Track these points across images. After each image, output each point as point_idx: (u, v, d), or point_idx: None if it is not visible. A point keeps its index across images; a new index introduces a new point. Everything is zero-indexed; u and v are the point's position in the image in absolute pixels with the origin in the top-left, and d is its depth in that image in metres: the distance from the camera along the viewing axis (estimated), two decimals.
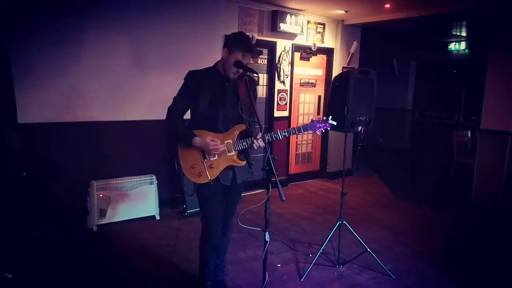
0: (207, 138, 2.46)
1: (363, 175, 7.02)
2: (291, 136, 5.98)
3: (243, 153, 2.62)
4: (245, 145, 2.52)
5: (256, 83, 2.71)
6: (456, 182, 6.54)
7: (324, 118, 2.57)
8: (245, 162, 2.60)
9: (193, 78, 2.56)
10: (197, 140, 2.48)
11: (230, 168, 2.59)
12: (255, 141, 2.44)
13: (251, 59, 2.54)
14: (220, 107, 2.53)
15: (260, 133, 2.45)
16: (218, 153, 2.52)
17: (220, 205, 2.66)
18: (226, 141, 2.53)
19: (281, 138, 2.49)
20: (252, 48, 2.49)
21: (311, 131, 2.60)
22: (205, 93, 2.52)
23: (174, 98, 2.59)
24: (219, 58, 2.59)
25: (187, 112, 2.64)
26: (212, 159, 2.54)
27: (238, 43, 2.48)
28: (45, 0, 3.78)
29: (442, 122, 8.86)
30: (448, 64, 8.87)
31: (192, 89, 2.53)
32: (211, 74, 2.58)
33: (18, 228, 3.63)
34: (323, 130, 2.59)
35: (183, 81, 2.59)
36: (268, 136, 2.46)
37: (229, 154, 2.54)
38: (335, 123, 2.58)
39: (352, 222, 3.69)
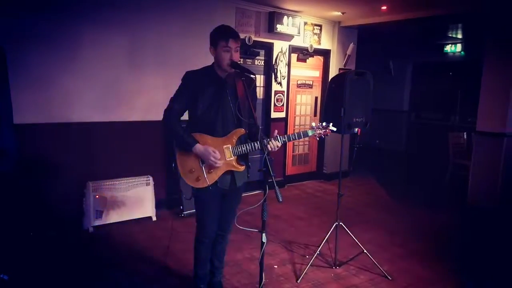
0: (210, 148, 2.42)
1: (360, 177, 7.03)
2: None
3: (242, 158, 2.58)
4: (244, 150, 2.48)
5: (254, 83, 2.65)
6: (452, 183, 6.56)
7: (324, 124, 2.54)
8: (244, 167, 2.56)
9: (190, 79, 2.51)
10: (198, 147, 2.43)
11: (229, 172, 2.55)
12: (272, 141, 2.37)
13: (239, 48, 2.47)
14: (219, 109, 2.48)
15: (276, 131, 2.43)
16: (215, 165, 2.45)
17: (216, 209, 2.64)
18: (225, 146, 2.48)
19: (280, 143, 2.43)
20: (231, 31, 2.47)
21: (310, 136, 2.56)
22: (203, 95, 2.47)
23: (171, 99, 2.53)
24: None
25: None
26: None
27: (217, 35, 2.46)
28: (41, 0, 3.78)
29: (438, 123, 8.90)
30: (444, 66, 8.93)
31: (190, 91, 2.48)
32: (209, 74, 2.53)
33: (13, 230, 3.61)
34: (323, 136, 2.56)
35: (181, 81, 2.54)
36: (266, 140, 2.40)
37: (228, 159, 2.49)
38: (335, 129, 2.56)
39: (349, 223, 3.70)
